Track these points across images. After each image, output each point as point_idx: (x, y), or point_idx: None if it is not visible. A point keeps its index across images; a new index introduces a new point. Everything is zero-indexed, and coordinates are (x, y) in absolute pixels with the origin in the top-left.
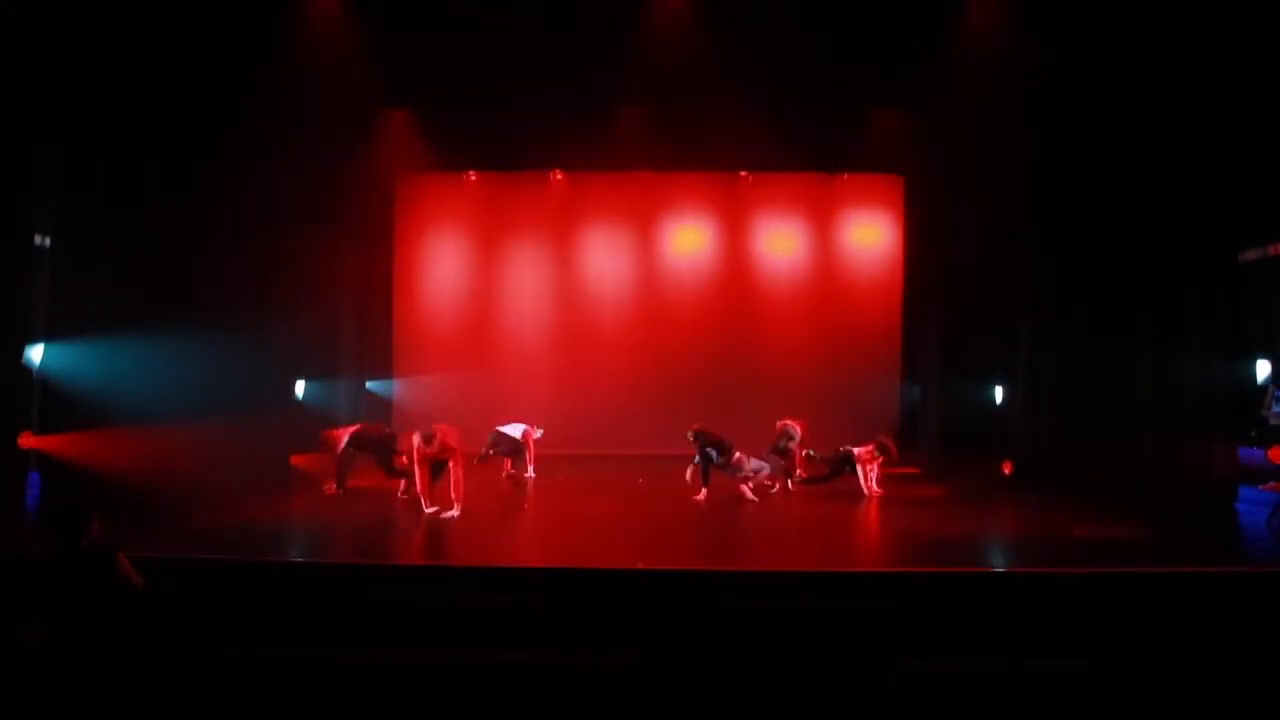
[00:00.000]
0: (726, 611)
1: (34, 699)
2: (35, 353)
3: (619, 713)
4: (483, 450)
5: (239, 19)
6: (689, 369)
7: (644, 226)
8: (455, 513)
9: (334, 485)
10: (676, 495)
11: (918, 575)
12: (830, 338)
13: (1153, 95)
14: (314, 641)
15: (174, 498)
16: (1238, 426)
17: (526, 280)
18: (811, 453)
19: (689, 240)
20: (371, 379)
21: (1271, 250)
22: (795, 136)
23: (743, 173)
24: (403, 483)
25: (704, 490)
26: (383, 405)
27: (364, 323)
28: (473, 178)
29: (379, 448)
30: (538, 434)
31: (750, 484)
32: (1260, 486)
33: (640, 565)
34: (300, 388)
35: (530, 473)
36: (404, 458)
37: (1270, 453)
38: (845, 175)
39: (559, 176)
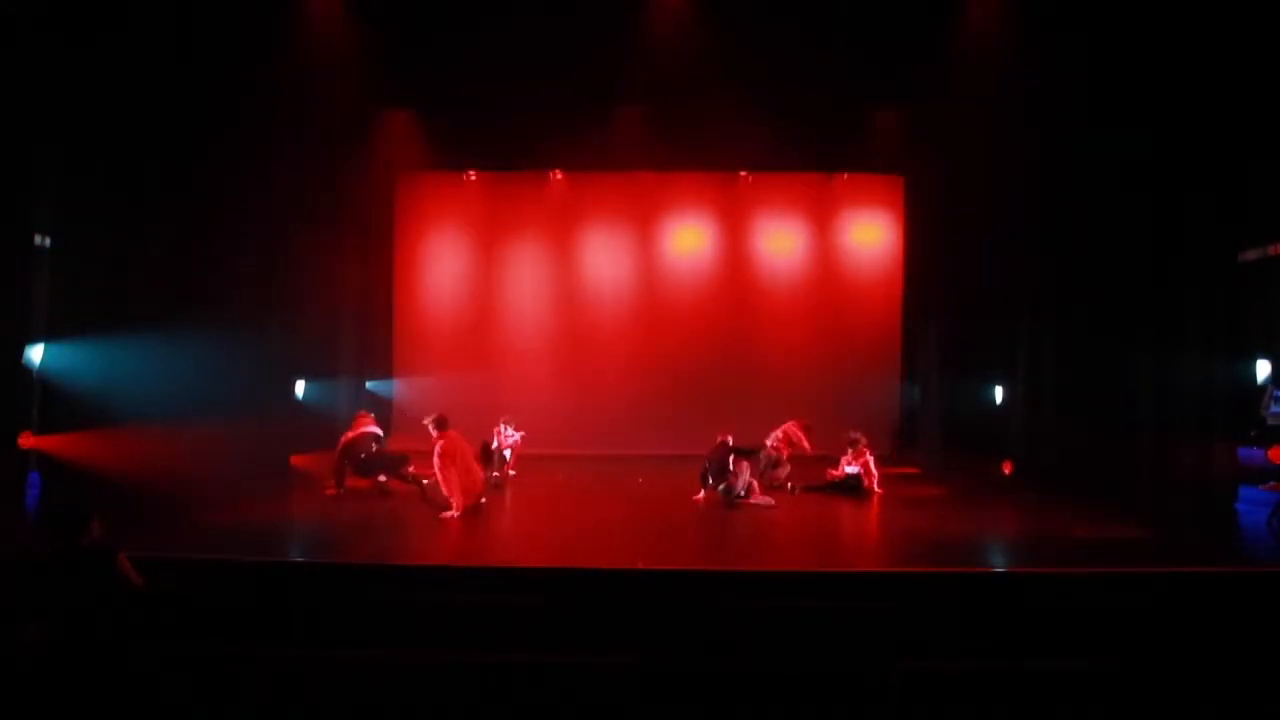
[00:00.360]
0: (726, 611)
1: (34, 699)
2: (35, 353)
3: (619, 713)
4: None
5: (239, 19)
6: (689, 369)
7: (644, 226)
8: (455, 512)
9: (333, 486)
10: (676, 495)
11: (918, 575)
12: (830, 338)
13: (1153, 95)
14: (314, 641)
15: (174, 498)
16: (1238, 426)
17: (526, 280)
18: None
19: (689, 240)
20: (371, 379)
21: (1271, 250)
22: (795, 136)
23: (743, 173)
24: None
25: (703, 491)
26: (383, 405)
27: (364, 323)
28: (473, 178)
29: (363, 467)
30: (512, 436)
31: (751, 499)
32: (1260, 486)
33: (640, 565)
34: (300, 388)
35: (510, 473)
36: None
37: (1270, 453)
38: (845, 175)
39: (559, 176)
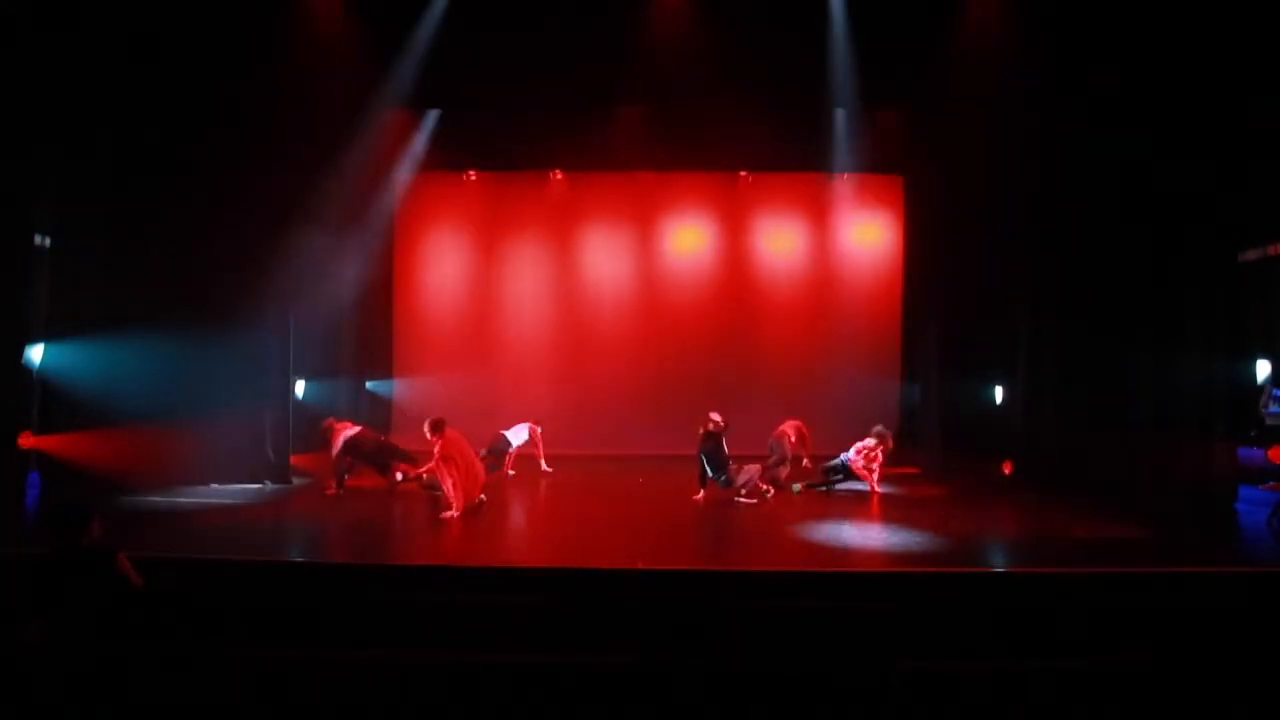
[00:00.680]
0: (726, 611)
1: (34, 699)
2: (35, 353)
3: (619, 713)
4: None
5: (239, 19)
6: (689, 369)
7: (644, 226)
8: (455, 512)
9: (333, 486)
10: (676, 495)
11: (918, 575)
12: (830, 338)
13: (1153, 95)
14: (314, 641)
15: (174, 498)
16: (1238, 426)
17: (526, 280)
18: (797, 486)
19: (689, 240)
20: (371, 379)
21: (1271, 250)
22: (795, 136)
23: (743, 173)
24: (398, 473)
25: (702, 491)
26: (383, 405)
27: (364, 323)
28: (473, 178)
29: (376, 458)
30: (520, 439)
31: (745, 495)
32: (1260, 486)
33: (640, 565)
34: (300, 388)
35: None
36: (417, 467)
37: (1270, 453)
38: (845, 175)
39: (559, 176)
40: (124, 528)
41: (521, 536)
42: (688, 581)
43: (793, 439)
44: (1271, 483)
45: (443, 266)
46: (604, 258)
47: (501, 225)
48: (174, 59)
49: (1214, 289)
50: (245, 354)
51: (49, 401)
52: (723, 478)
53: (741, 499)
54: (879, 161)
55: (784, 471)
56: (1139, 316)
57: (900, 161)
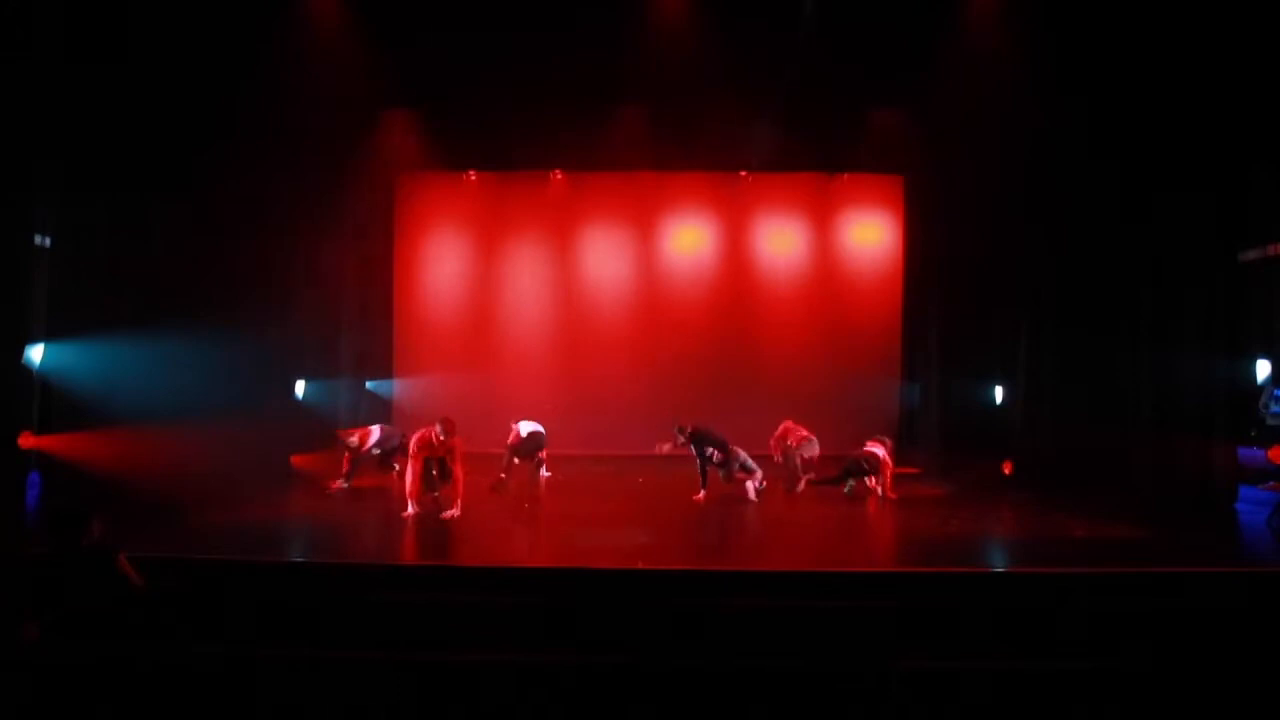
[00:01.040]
0: (726, 611)
1: (34, 699)
2: (35, 353)
3: (618, 713)
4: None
5: (239, 19)
6: (688, 369)
7: (644, 226)
8: (456, 512)
9: (341, 482)
10: (676, 495)
11: (918, 575)
12: (830, 337)
13: (1153, 95)
14: (314, 641)
15: (174, 498)
16: (1238, 426)
17: (526, 280)
18: (812, 476)
19: (689, 240)
20: (371, 379)
21: (1271, 250)
22: (795, 136)
23: (743, 173)
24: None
25: (703, 491)
26: (383, 405)
27: (364, 323)
28: (473, 178)
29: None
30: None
31: (752, 482)
32: (1260, 486)
33: (640, 565)
34: (300, 388)
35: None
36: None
37: (1270, 453)
38: (845, 175)
39: (559, 176)
40: (124, 528)
41: (521, 536)
42: (688, 581)
43: (790, 441)
44: (1271, 483)
45: (443, 266)
46: (604, 258)
47: (501, 225)
48: (174, 59)
49: (1214, 289)
50: (246, 354)
51: (49, 401)
52: (723, 473)
53: (750, 488)
54: (879, 161)
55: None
56: (1139, 316)
57: (900, 161)
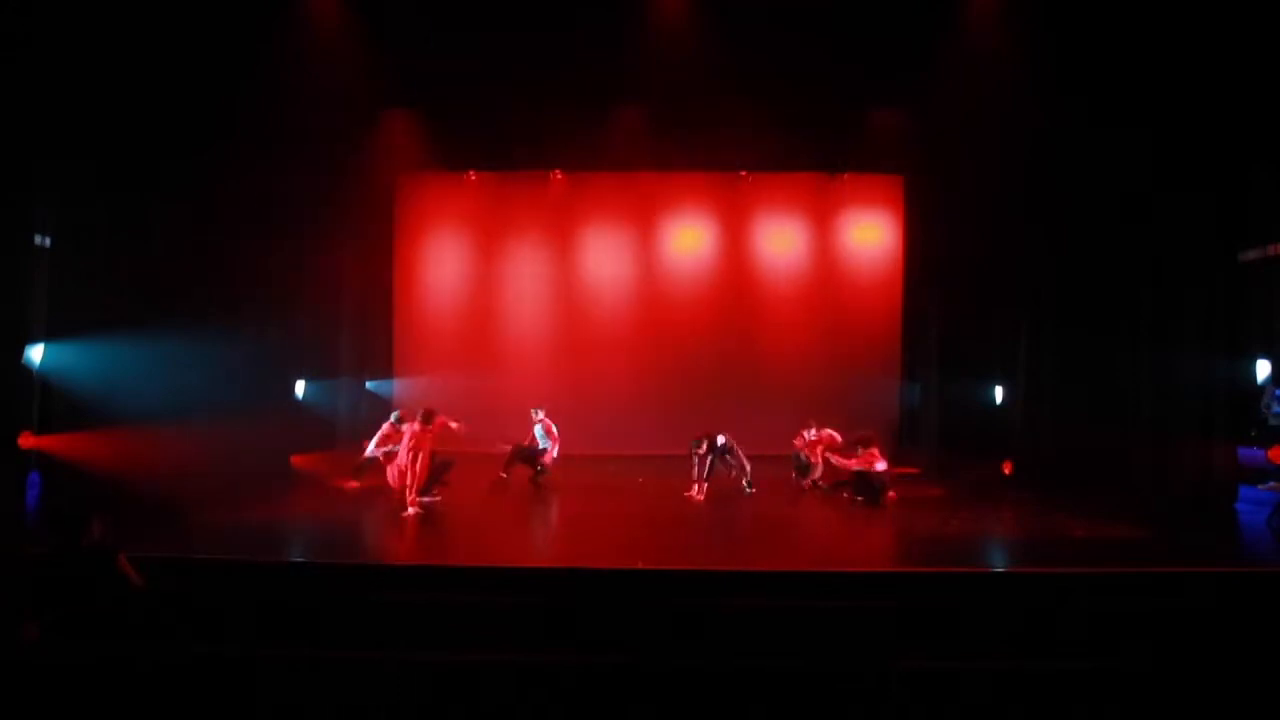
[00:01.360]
0: (726, 611)
1: (34, 699)
2: (35, 353)
3: (619, 713)
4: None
5: (240, 20)
6: (688, 369)
7: (644, 226)
8: (413, 511)
9: (351, 480)
10: (676, 495)
11: (918, 575)
12: (830, 337)
13: (1153, 95)
14: (314, 641)
15: (174, 498)
16: (1238, 426)
17: (526, 280)
18: (820, 482)
19: (689, 240)
20: (371, 379)
21: (1271, 250)
22: (795, 136)
23: (743, 173)
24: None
25: (704, 488)
26: (383, 405)
27: (364, 323)
28: (473, 178)
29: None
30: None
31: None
32: (1260, 486)
33: (640, 565)
34: (300, 388)
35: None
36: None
37: (1270, 453)
38: (845, 175)
39: (559, 176)
40: (124, 528)
41: (521, 536)
42: (688, 581)
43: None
44: (1271, 483)
45: (443, 266)
46: (604, 258)
47: (501, 225)
48: (174, 59)
49: (1214, 289)
50: (245, 354)
51: (49, 401)
52: (731, 449)
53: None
54: (879, 161)
55: (816, 474)
56: (1139, 316)
57: (900, 161)
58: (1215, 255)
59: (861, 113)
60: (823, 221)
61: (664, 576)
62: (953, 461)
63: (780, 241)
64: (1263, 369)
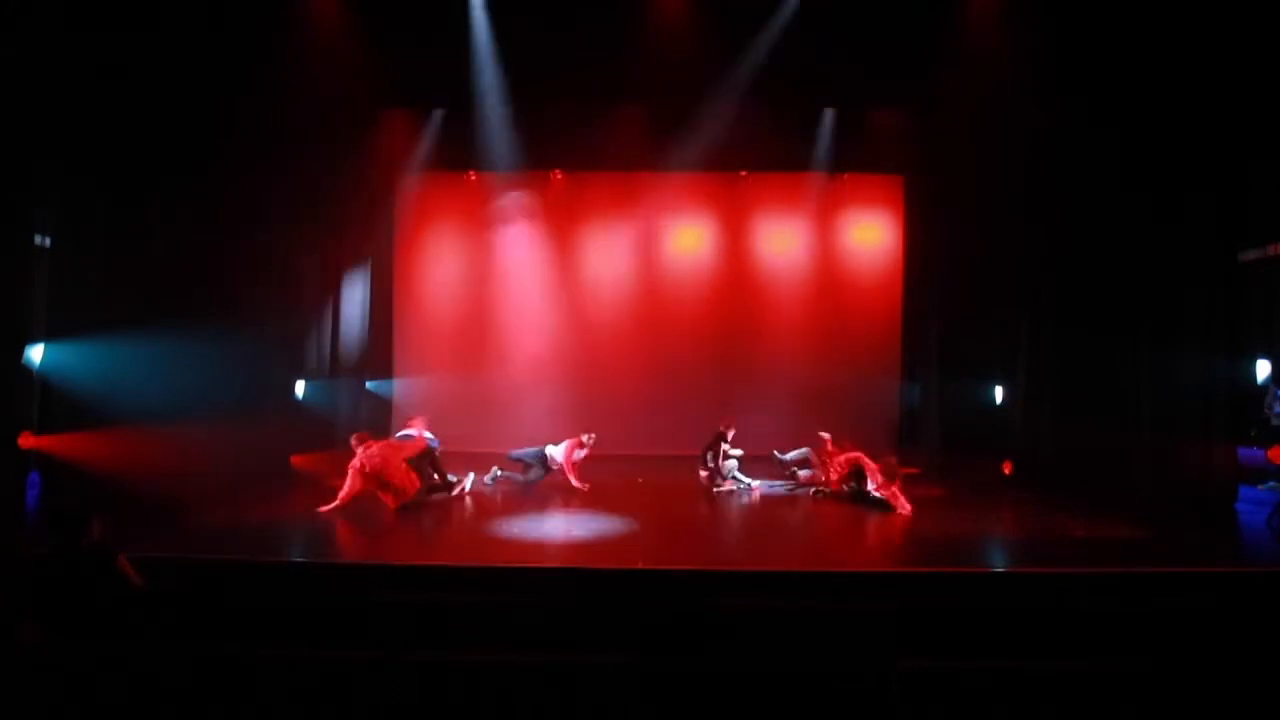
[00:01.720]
0: (726, 611)
1: (35, 699)
2: (35, 353)
3: (619, 713)
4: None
5: (240, 20)
6: (688, 369)
7: (644, 226)
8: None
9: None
10: (677, 495)
11: (918, 575)
12: (830, 338)
13: (1153, 95)
14: (314, 641)
15: (174, 498)
16: (1238, 426)
17: (526, 280)
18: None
19: (689, 240)
20: (371, 379)
21: (1271, 250)
22: (795, 136)
23: (743, 173)
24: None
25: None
26: (383, 405)
27: (364, 323)
28: (473, 178)
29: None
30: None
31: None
32: (1260, 486)
33: (640, 565)
34: (300, 388)
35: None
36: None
37: (1270, 453)
38: (845, 175)
39: (559, 176)
40: (124, 528)
41: (522, 536)
42: (688, 581)
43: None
44: (1271, 483)
45: (443, 266)
46: (604, 258)
47: (501, 225)
48: (174, 59)
49: (1214, 289)
50: (245, 354)
51: (49, 401)
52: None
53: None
54: (879, 161)
55: (805, 475)
56: (1139, 316)
57: (900, 161)
58: (1215, 255)
59: (861, 113)
60: (823, 221)
61: (664, 576)
62: (953, 461)
63: (780, 242)
64: (1263, 369)
